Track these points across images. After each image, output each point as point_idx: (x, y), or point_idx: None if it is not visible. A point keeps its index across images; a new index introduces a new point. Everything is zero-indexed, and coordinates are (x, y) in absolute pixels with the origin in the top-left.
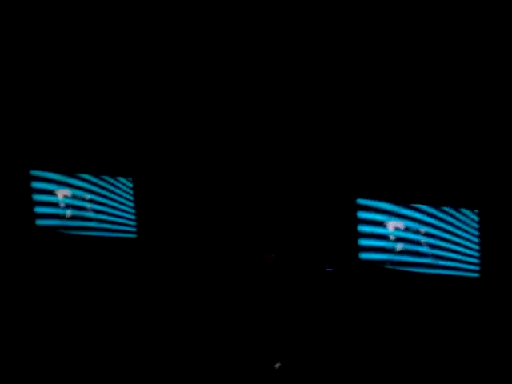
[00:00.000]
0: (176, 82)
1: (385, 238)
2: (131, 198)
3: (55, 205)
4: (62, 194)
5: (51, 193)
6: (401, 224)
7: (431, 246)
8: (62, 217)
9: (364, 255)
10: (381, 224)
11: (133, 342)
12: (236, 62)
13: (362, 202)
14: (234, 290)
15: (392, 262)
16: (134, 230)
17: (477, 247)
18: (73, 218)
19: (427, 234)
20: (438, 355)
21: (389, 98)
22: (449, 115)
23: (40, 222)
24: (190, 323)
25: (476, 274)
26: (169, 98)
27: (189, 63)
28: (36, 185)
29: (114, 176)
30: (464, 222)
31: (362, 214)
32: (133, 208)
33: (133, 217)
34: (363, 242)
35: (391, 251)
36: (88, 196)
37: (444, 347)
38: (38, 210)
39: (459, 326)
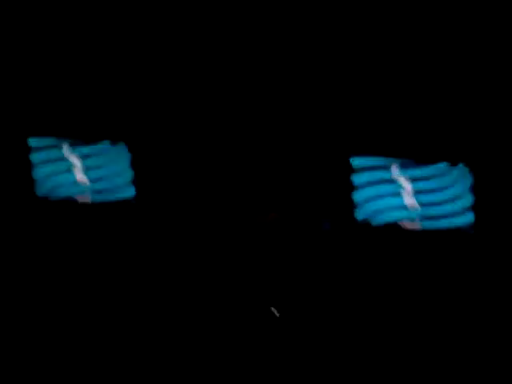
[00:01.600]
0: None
1: (379, 196)
2: (128, 162)
3: (54, 174)
4: (57, 161)
5: (49, 162)
6: (392, 181)
7: (424, 203)
8: (59, 185)
9: (359, 213)
10: (373, 183)
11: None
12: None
13: (355, 161)
14: (232, 248)
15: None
16: (132, 195)
17: (471, 203)
18: (70, 184)
19: (419, 191)
20: (434, 310)
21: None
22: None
23: (39, 191)
24: (191, 279)
25: (470, 230)
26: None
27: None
28: (34, 155)
29: (111, 142)
30: (457, 178)
31: (356, 175)
32: (130, 172)
33: (130, 182)
34: (358, 199)
35: (385, 209)
36: (82, 162)
37: (440, 305)
38: (38, 179)
39: (455, 282)
